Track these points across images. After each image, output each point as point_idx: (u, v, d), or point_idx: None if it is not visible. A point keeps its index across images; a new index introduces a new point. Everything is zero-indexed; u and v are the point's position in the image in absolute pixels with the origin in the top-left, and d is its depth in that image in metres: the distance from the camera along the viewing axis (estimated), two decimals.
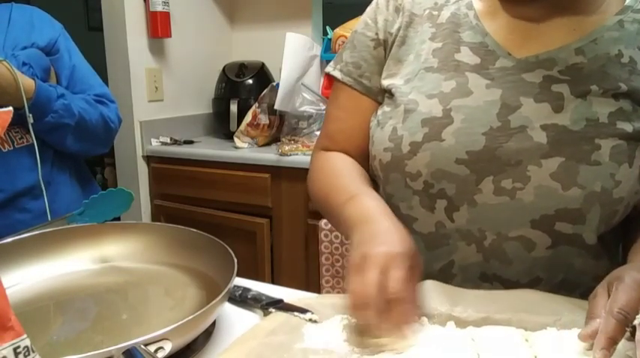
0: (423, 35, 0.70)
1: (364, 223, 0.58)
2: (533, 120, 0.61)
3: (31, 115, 0.95)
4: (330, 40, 2.00)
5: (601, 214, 0.60)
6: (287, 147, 1.70)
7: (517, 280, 0.64)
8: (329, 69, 0.79)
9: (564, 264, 0.64)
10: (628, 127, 0.60)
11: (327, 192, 0.72)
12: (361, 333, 0.52)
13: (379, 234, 0.55)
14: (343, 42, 1.76)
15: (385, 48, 0.74)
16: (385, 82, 0.72)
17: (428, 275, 0.67)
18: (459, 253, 0.65)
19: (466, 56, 0.66)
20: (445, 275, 0.67)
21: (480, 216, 0.63)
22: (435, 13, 0.71)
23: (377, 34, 0.74)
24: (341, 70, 0.77)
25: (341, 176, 0.73)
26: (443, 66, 0.67)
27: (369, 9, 0.77)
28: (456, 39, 0.67)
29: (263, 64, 2.07)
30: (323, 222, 1.35)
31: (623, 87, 0.60)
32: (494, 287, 0.65)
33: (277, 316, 0.58)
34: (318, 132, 1.80)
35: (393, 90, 0.70)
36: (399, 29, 0.72)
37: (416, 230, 0.68)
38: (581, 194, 0.59)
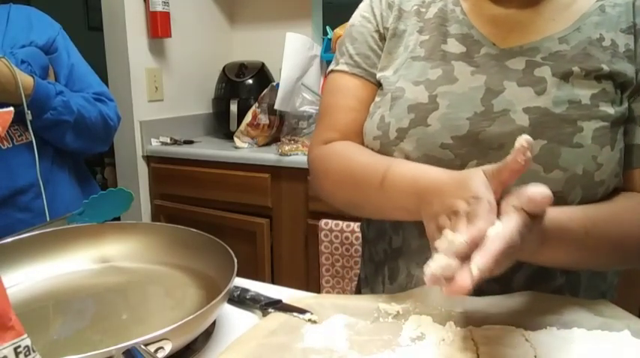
0: (411, 28, 0.72)
1: (422, 198, 0.56)
2: (515, 104, 0.62)
3: (29, 112, 0.95)
4: (330, 40, 2.00)
5: (582, 197, 0.60)
6: (287, 147, 1.70)
7: None
8: (332, 67, 0.78)
9: None
10: (610, 110, 0.61)
11: (350, 181, 0.68)
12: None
13: (442, 188, 0.53)
14: None
15: (384, 40, 0.75)
16: (378, 75, 0.74)
17: (419, 264, 0.67)
18: None
19: (452, 46, 0.68)
20: None
21: None
22: (423, 10, 0.73)
23: (377, 25, 0.75)
24: (347, 63, 0.75)
25: (359, 155, 0.69)
26: (429, 55, 0.68)
27: (363, 5, 0.78)
28: (443, 32, 0.69)
29: (263, 64, 2.07)
30: (323, 222, 1.35)
31: (605, 68, 0.61)
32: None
33: (277, 316, 0.58)
34: None
35: (382, 80, 0.72)
36: (391, 23, 0.74)
37: None
38: (562, 176, 0.59)
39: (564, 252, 0.56)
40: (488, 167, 0.50)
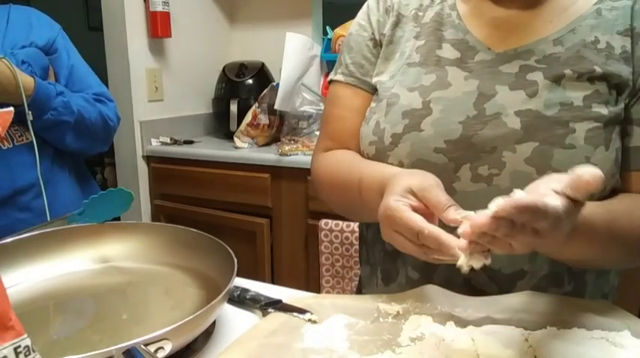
0: (408, 34, 0.73)
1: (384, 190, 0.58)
2: (507, 107, 0.62)
3: (30, 113, 0.95)
4: (330, 40, 2.00)
5: None
6: (287, 147, 1.70)
7: (499, 268, 0.64)
8: (331, 76, 0.80)
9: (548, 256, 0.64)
10: (604, 110, 0.61)
11: (340, 193, 0.72)
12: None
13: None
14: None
15: (380, 47, 0.75)
16: (373, 80, 0.74)
17: (414, 267, 0.69)
18: None
19: (447, 52, 0.68)
20: (430, 267, 0.67)
21: (459, 204, 0.63)
22: (421, 14, 0.73)
23: (373, 33, 0.76)
24: (342, 73, 0.77)
25: (344, 167, 0.72)
26: (424, 61, 0.69)
27: (360, 12, 0.79)
28: (439, 36, 0.70)
29: (263, 64, 2.07)
30: (323, 222, 1.35)
31: (599, 70, 0.61)
32: (478, 277, 0.65)
33: (277, 316, 0.58)
34: (318, 132, 1.80)
35: (378, 86, 0.73)
36: (388, 30, 0.74)
37: None
38: None
39: (589, 246, 0.56)
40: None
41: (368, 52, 0.76)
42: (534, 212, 0.42)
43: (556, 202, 0.43)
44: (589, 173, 0.42)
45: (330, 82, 0.80)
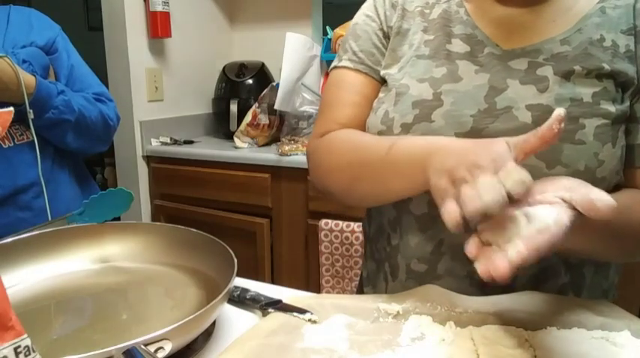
0: (415, 27, 0.73)
1: (433, 154, 0.55)
2: (518, 101, 0.62)
3: (31, 111, 0.95)
4: (330, 40, 2.00)
5: None
6: (287, 147, 1.70)
7: None
8: (335, 63, 0.77)
9: None
10: (611, 108, 0.61)
11: (354, 155, 0.68)
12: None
13: (462, 148, 0.52)
14: None
15: (388, 39, 0.75)
16: (382, 72, 0.74)
17: (420, 260, 0.69)
18: (447, 231, 0.65)
19: (457, 46, 0.68)
20: (435, 257, 0.67)
21: None
22: (427, 11, 0.73)
23: (381, 24, 0.75)
24: (350, 60, 0.75)
25: (365, 135, 0.70)
26: (434, 54, 0.69)
27: (366, 4, 0.79)
28: (447, 32, 0.70)
29: (263, 64, 2.07)
30: (323, 222, 1.35)
31: (607, 67, 0.62)
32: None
33: (277, 316, 0.58)
34: None
35: (387, 77, 0.72)
36: (395, 22, 0.74)
37: (411, 211, 0.69)
38: (565, 173, 0.59)
39: (588, 239, 0.55)
40: (512, 138, 0.49)
41: (378, 41, 0.75)
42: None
43: (562, 223, 0.43)
44: (604, 203, 0.42)
45: (333, 68, 0.77)
